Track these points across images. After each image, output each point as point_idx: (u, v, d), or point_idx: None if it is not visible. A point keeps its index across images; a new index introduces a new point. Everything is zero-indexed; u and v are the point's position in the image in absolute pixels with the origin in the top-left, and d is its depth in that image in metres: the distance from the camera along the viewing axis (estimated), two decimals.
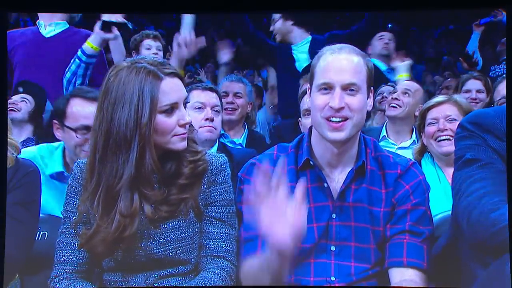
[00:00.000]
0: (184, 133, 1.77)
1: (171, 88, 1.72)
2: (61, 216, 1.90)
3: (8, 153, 1.82)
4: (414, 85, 3.64)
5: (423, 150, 2.85)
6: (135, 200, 1.72)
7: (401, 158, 1.97)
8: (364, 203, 1.89)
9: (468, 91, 3.69)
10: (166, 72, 1.73)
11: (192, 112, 2.62)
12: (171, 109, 1.73)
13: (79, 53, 3.35)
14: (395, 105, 3.45)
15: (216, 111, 2.81)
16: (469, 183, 1.70)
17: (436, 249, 1.95)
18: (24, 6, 2.03)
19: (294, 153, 1.96)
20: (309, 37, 4.23)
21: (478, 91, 3.71)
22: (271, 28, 4.30)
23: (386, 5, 2.43)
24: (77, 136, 2.41)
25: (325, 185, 1.90)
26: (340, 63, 1.86)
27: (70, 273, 1.80)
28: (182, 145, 1.77)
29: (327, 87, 1.85)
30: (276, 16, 4.23)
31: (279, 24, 4.23)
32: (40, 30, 3.66)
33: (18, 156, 1.91)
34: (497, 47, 4.40)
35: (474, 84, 3.73)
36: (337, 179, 1.92)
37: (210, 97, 2.79)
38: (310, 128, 1.98)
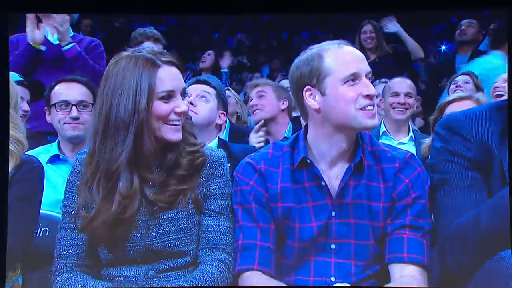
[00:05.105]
0: (178, 123, 1.80)
1: (168, 76, 1.77)
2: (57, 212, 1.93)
3: (13, 149, 1.85)
4: (410, 84, 3.71)
5: None
6: (135, 182, 1.76)
7: (398, 152, 1.95)
8: (363, 199, 1.87)
9: (455, 83, 3.80)
10: (163, 60, 1.78)
11: None
12: (167, 96, 1.77)
13: None
14: (402, 109, 3.59)
15: None
16: (437, 216, 1.84)
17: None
18: (25, 6, 2.04)
19: (290, 152, 1.94)
20: None
21: (464, 82, 3.80)
22: None
23: (386, 6, 2.44)
24: (56, 110, 2.61)
25: (323, 183, 1.88)
26: (356, 53, 1.87)
27: (70, 267, 1.83)
28: (177, 136, 1.80)
29: (354, 78, 1.83)
30: None
31: None
32: (47, 37, 3.50)
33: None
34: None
35: (461, 78, 3.84)
36: (335, 176, 1.89)
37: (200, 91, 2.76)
38: (306, 127, 1.96)
